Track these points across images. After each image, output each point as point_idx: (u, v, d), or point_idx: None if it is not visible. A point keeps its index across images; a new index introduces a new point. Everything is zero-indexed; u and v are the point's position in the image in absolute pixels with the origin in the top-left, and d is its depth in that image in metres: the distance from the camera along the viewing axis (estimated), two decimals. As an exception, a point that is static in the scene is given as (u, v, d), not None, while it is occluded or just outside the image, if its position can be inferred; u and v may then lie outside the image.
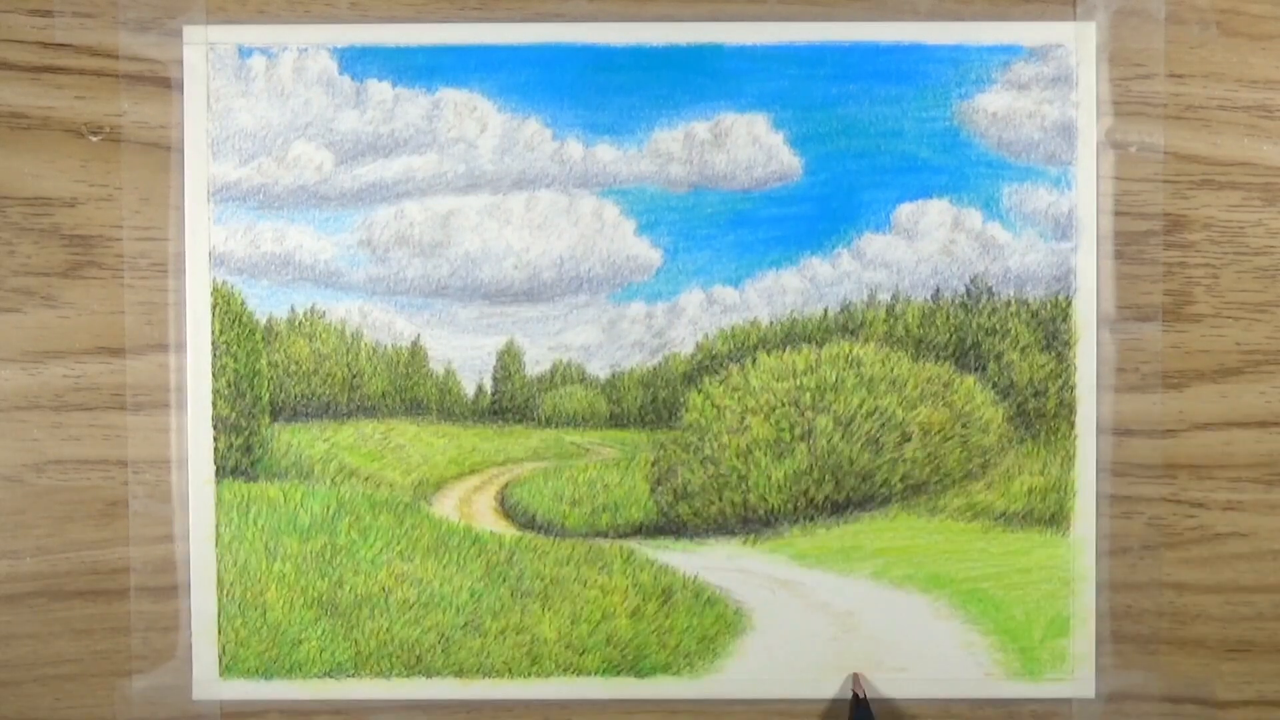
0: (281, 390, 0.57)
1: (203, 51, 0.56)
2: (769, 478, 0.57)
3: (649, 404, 0.57)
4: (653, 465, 0.58)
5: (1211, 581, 0.57)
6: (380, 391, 0.57)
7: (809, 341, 0.57)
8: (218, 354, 0.56)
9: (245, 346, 0.57)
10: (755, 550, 0.57)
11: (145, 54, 0.56)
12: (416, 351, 0.57)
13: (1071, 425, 0.57)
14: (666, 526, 0.58)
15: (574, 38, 0.56)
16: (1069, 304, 0.56)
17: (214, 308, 0.56)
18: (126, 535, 0.57)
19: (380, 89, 0.56)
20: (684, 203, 0.57)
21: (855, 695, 0.55)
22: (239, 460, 0.57)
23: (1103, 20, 0.56)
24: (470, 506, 0.58)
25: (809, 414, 0.57)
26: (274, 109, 0.56)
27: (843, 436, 0.57)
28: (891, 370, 0.57)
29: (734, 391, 0.57)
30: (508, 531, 0.58)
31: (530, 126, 0.56)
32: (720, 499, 0.57)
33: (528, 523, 0.58)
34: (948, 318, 0.57)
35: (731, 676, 0.57)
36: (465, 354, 0.57)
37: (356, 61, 0.56)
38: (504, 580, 0.57)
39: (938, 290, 0.57)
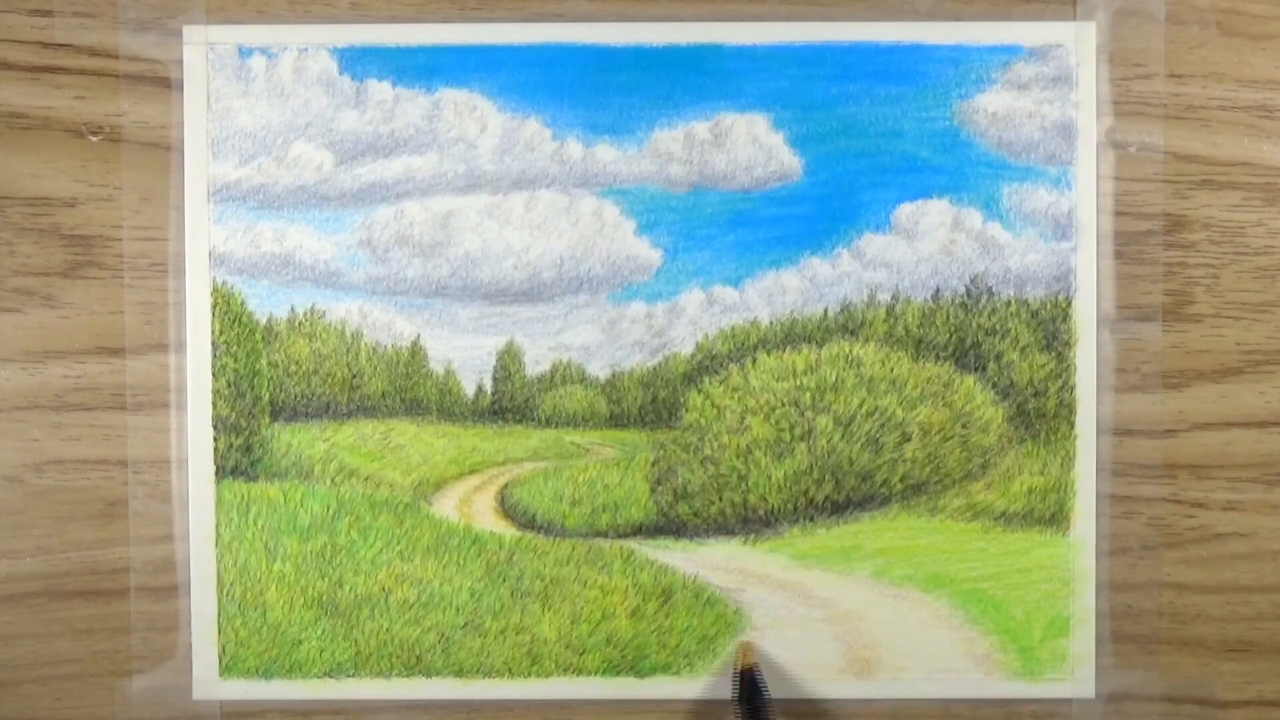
0: (281, 390, 0.57)
1: (203, 51, 0.56)
2: (769, 478, 0.57)
3: (649, 404, 0.57)
4: (653, 465, 0.58)
5: (1211, 581, 0.57)
6: (380, 391, 0.57)
7: (809, 341, 0.57)
8: (218, 354, 0.56)
9: (245, 346, 0.57)
10: (755, 550, 0.57)
11: (145, 54, 0.56)
12: (416, 351, 0.57)
13: (1071, 425, 0.57)
14: (666, 526, 0.58)
15: (574, 38, 0.56)
16: (1069, 304, 0.56)
17: (214, 308, 0.56)
18: (126, 535, 0.57)
19: (380, 89, 0.56)
20: (684, 203, 0.57)
21: (739, 669, 0.55)
22: (239, 460, 0.57)
23: (1103, 20, 0.56)
24: (470, 506, 0.58)
25: (809, 414, 0.57)
26: (274, 109, 0.56)
27: (843, 436, 0.57)
28: (891, 370, 0.57)
29: (734, 391, 0.57)
30: (508, 531, 0.58)
31: (530, 126, 0.56)
32: (720, 499, 0.57)
33: (528, 523, 0.58)
34: (948, 318, 0.57)
35: (731, 677, 0.57)
36: (465, 354, 0.57)
37: (356, 61, 0.56)
38: (504, 580, 0.57)
39: (938, 290, 0.57)
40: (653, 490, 0.58)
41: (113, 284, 0.56)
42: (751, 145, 0.56)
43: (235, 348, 0.57)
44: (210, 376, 0.56)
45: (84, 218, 0.56)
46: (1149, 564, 0.57)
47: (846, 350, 0.57)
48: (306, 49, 0.56)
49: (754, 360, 0.57)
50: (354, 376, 0.57)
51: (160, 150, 0.56)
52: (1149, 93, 0.56)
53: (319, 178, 0.56)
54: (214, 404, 0.56)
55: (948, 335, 0.57)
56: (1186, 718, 0.58)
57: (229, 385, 0.57)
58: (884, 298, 0.57)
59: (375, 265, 0.57)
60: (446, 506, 0.58)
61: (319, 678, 0.57)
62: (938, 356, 0.57)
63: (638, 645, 0.57)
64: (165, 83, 0.56)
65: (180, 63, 0.56)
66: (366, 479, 0.57)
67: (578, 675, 0.57)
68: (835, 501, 0.57)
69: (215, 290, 0.56)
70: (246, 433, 0.57)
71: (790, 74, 0.56)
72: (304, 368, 0.57)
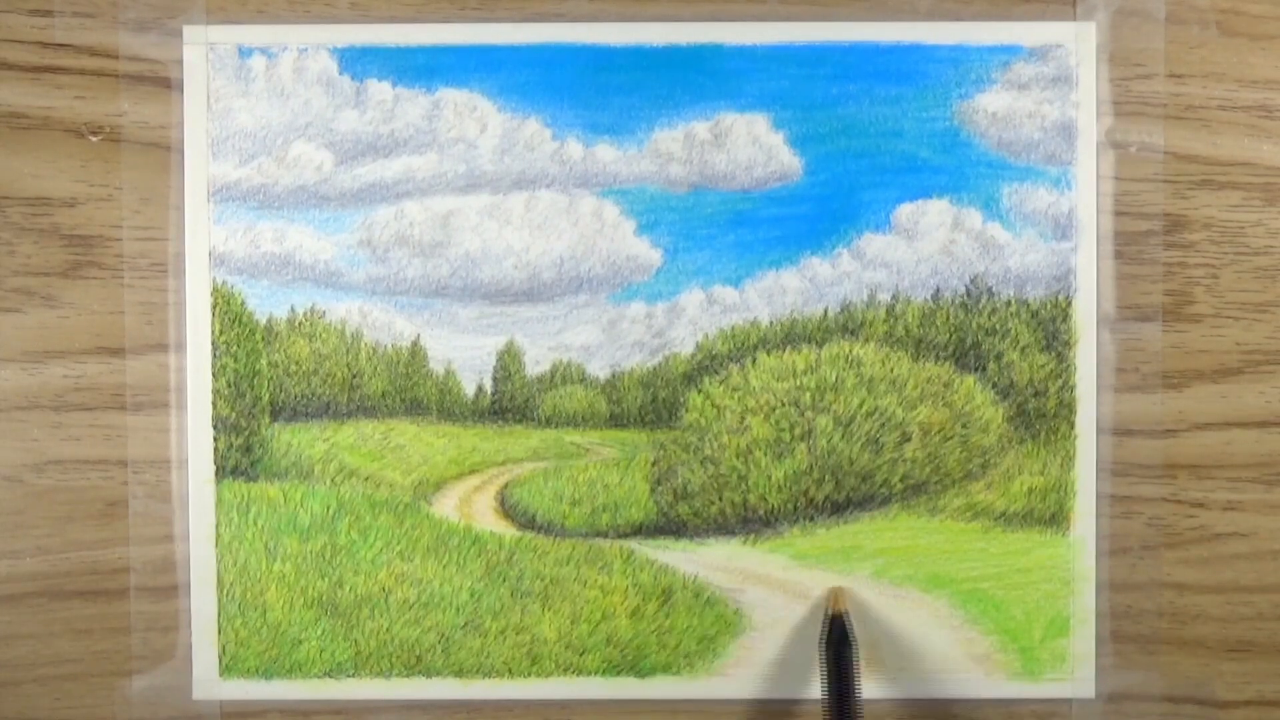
0: (281, 390, 0.57)
1: (203, 51, 0.56)
2: (769, 478, 0.57)
3: (649, 404, 0.57)
4: (653, 465, 0.58)
5: (1211, 581, 0.57)
6: (380, 391, 0.57)
7: (809, 341, 0.57)
8: (218, 354, 0.56)
9: (245, 346, 0.57)
10: (755, 550, 0.57)
11: (145, 54, 0.56)
12: (416, 351, 0.57)
13: (1071, 425, 0.57)
14: (666, 526, 0.58)
15: (574, 38, 0.56)
16: (1069, 304, 0.56)
17: (214, 308, 0.56)
18: (126, 535, 0.57)
19: (380, 89, 0.56)
20: (684, 203, 0.57)
21: (828, 612, 0.55)
22: (239, 460, 0.57)
23: (1103, 20, 0.56)
24: (470, 506, 0.58)
25: (809, 414, 0.57)
26: (274, 109, 0.56)
27: (843, 436, 0.57)
28: (891, 370, 0.57)
29: (734, 391, 0.57)
30: (508, 531, 0.58)
31: (530, 126, 0.56)
32: (720, 499, 0.57)
33: (528, 523, 0.58)
34: (948, 318, 0.57)
35: (731, 676, 0.57)
36: (465, 354, 0.57)
37: (356, 61, 0.56)
38: (504, 580, 0.57)
39: (938, 290, 0.57)
40: (653, 490, 0.58)
41: (113, 284, 0.56)
42: (751, 145, 0.56)
43: (235, 348, 0.57)
44: (210, 376, 0.56)
45: (84, 218, 0.56)
46: (1149, 564, 0.57)
47: (846, 350, 0.57)
48: (306, 49, 0.56)
49: (754, 360, 0.57)
50: (354, 376, 0.57)
51: (160, 150, 0.56)
52: (1149, 93, 0.56)
53: (319, 178, 0.56)
54: (214, 404, 0.56)
55: (948, 335, 0.57)
56: (1186, 718, 0.58)
57: (229, 385, 0.57)
58: (884, 298, 0.57)
59: (375, 265, 0.57)
60: (446, 506, 0.58)
61: (319, 678, 0.57)
62: (938, 356, 0.57)
63: (638, 645, 0.57)
64: (165, 83, 0.56)
65: (180, 63, 0.56)
66: (366, 479, 0.57)
67: (578, 675, 0.57)
68: (835, 501, 0.57)
69: (215, 290, 0.56)
70: (246, 433, 0.57)
71: (790, 74, 0.56)
72: (304, 368, 0.57)
